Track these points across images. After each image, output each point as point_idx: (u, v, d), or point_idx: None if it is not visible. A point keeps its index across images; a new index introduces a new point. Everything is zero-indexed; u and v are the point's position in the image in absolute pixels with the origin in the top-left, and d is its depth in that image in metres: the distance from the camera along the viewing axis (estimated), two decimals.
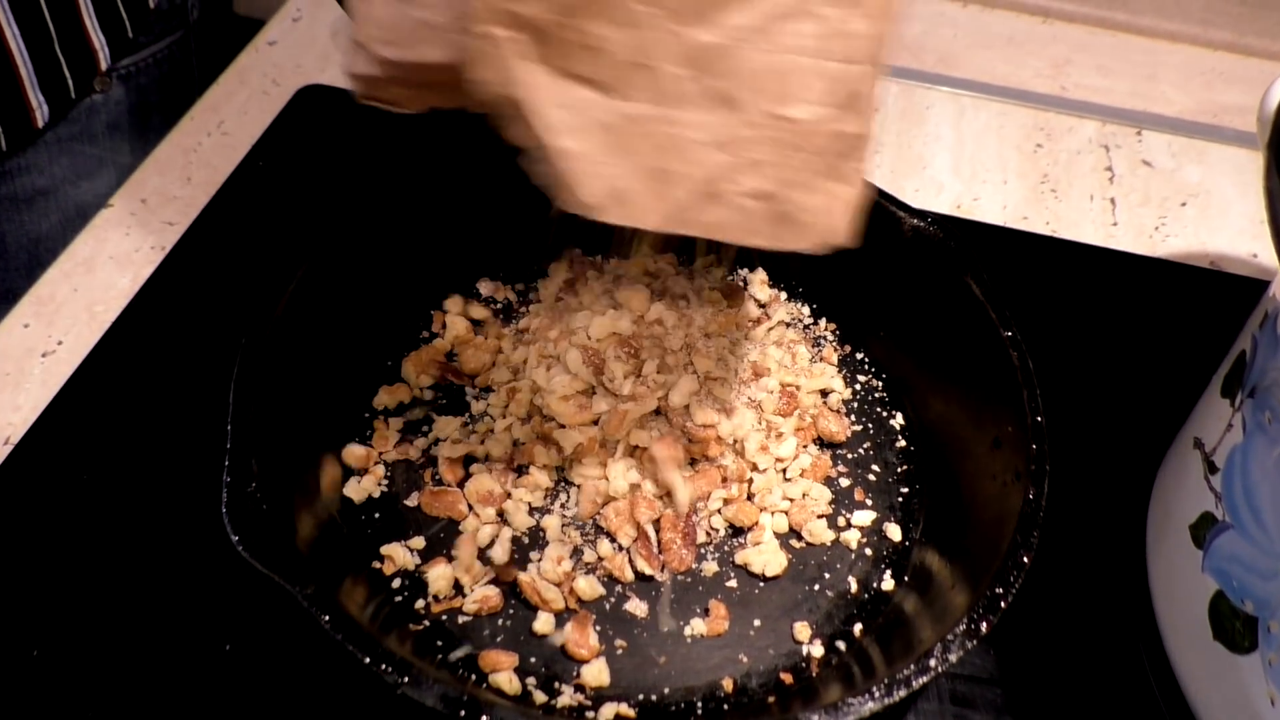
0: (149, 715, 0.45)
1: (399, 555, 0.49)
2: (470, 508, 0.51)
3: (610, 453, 0.51)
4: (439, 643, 0.47)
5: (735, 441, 0.52)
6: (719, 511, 0.51)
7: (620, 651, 0.47)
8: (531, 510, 0.51)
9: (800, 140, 0.38)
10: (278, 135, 0.72)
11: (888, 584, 0.50)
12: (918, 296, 0.55)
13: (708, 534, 0.51)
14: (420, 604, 0.48)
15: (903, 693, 0.39)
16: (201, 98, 0.75)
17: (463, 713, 0.37)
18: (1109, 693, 0.48)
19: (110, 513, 0.52)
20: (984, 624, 0.41)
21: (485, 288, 0.60)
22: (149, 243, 0.65)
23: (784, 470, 0.53)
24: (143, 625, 0.48)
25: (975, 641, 0.40)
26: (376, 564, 0.49)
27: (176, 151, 0.71)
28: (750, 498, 0.52)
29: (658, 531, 0.50)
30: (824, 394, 0.57)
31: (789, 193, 0.39)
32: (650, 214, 0.39)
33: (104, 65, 0.69)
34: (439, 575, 0.48)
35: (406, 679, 0.38)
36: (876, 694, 0.39)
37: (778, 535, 0.51)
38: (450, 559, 0.49)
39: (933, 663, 0.39)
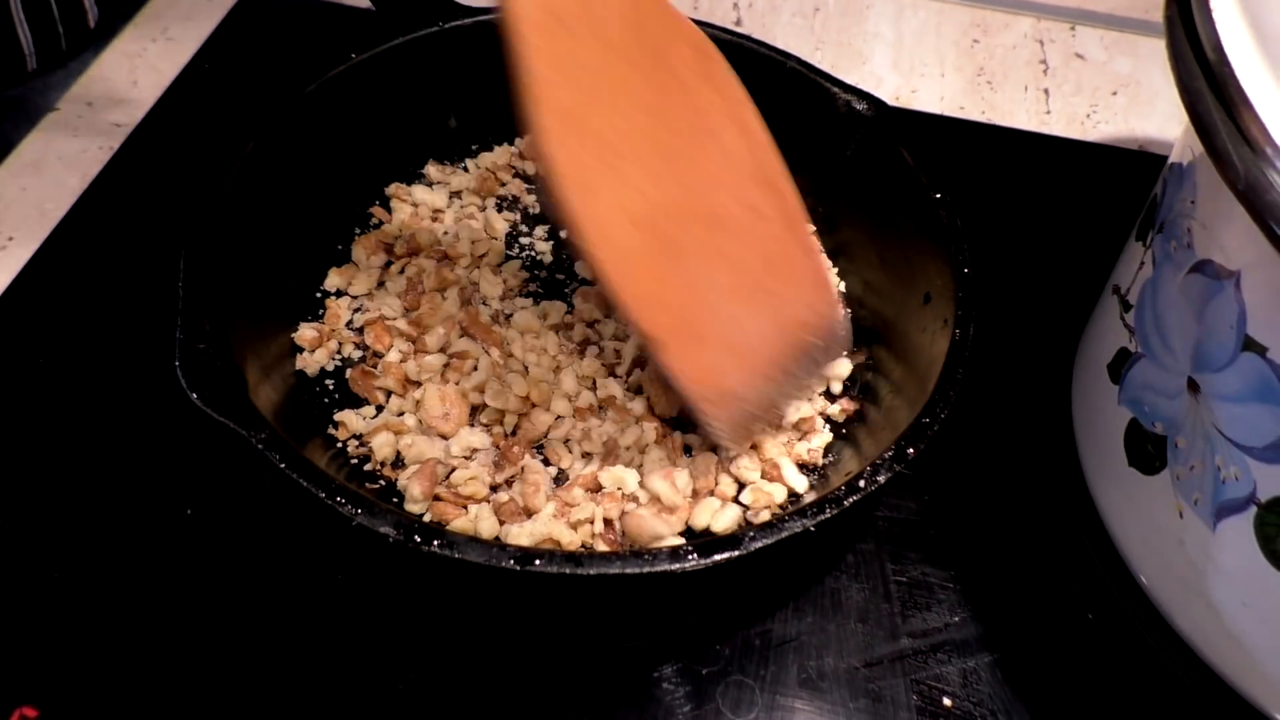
0: (113, 581, 0.47)
1: (352, 421, 0.50)
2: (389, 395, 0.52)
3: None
4: (394, 499, 0.48)
5: None
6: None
7: None
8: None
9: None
10: (223, 39, 0.72)
11: (826, 438, 0.52)
12: (853, 169, 0.57)
13: None
14: (371, 466, 0.49)
15: (834, 510, 0.41)
16: (146, 4, 0.75)
17: (417, 538, 0.39)
18: (1035, 529, 0.51)
19: (66, 395, 0.53)
20: (910, 450, 0.43)
21: (432, 172, 0.61)
22: (96, 143, 0.65)
23: None
24: (103, 498, 0.49)
25: (902, 465, 0.42)
26: (331, 430, 0.50)
27: (121, 57, 0.71)
28: None
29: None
30: None
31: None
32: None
33: None
34: (383, 443, 0.49)
35: (361, 511, 0.39)
36: (810, 512, 0.41)
37: None
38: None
39: (862, 483, 0.42)
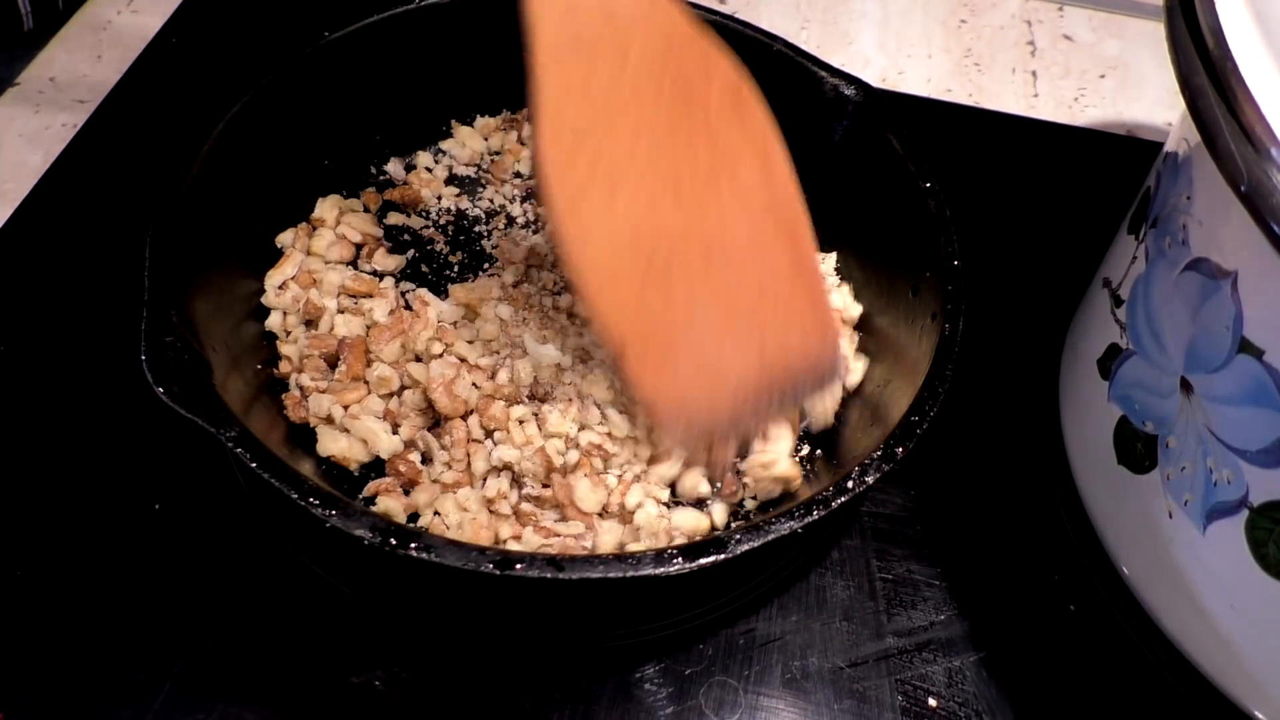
0: (79, 579, 0.45)
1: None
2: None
3: None
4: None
5: None
6: None
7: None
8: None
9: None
10: (190, 13, 0.70)
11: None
12: (840, 156, 0.56)
13: None
14: None
15: (821, 512, 0.40)
16: None
17: (393, 541, 0.38)
18: (1021, 526, 0.51)
19: (28, 384, 0.51)
20: (899, 449, 0.42)
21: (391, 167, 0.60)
22: (59, 120, 0.63)
23: None
24: (67, 493, 0.48)
25: (891, 465, 0.41)
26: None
27: (85, 30, 0.69)
28: None
29: None
30: None
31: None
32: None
33: None
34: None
35: (334, 512, 0.38)
36: (796, 514, 0.40)
37: None
38: None
39: (850, 484, 0.41)
